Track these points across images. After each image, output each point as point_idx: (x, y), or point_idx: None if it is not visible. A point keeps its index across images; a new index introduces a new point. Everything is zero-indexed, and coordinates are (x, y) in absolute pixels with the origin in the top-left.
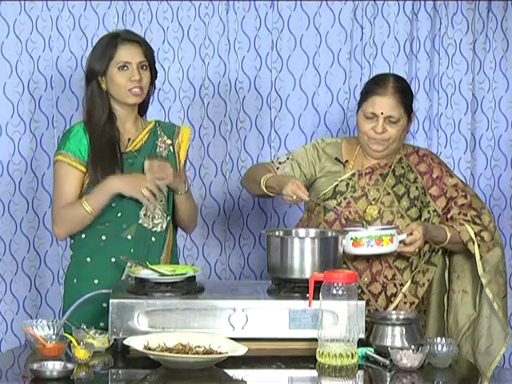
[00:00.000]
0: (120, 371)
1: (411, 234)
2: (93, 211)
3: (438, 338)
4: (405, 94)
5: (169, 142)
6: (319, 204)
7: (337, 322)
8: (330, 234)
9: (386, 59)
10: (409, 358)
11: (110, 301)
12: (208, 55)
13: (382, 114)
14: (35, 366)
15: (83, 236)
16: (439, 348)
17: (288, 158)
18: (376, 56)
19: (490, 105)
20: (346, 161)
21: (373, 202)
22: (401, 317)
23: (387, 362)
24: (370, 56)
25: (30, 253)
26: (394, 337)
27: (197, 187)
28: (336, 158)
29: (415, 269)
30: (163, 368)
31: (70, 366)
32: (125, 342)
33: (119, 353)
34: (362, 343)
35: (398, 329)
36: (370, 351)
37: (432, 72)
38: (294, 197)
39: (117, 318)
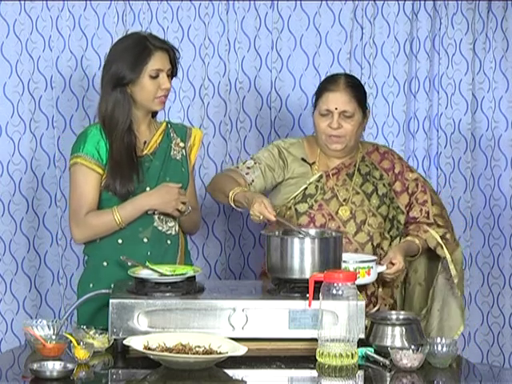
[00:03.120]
0: (120, 371)
1: (391, 262)
2: (122, 224)
3: (438, 338)
4: (357, 89)
5: (182, 144)
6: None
7: (337, 321)
8: (329, 234)
9: (386, 59)
10: (409, 358)
11: (110, 301)
12: (208, 55)
13: (336, 109)
14: (35, 365)
15: (98, 240)
16: (439, 348)
17: (256, 163)
18: (376, 56)
19: (490, 105)
20: (314, 162)
21: (344, 203)
22: (401, 317)
23: (387, 362)
24: (370, 56)
25: (30, 253)
26: (393, 337)
27: (197, 187)
28: (302, 159)
29: None
30: (163, 368)
31: (70, 365)
32: (125, 342)
33: (119, 353)
34: (362, 343)
35: (397, 329)
36: (370, 351)
37: (432, 72)
38: (261, 217)
39: (117, 318)
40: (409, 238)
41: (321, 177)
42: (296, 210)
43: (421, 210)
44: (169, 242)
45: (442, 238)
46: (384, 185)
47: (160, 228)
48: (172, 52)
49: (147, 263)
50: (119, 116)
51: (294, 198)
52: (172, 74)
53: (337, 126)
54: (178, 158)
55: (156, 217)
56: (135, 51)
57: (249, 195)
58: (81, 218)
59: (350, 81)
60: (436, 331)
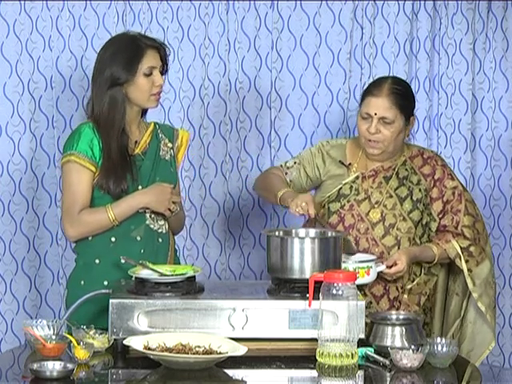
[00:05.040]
0: (120, 371)
1: (395, 263)
2: (116, 221)
3: (438, 338)
4: (401, 96)
5: (170, 145)
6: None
7: (337, 321)
8: (330, 234)
9: (386, 59)
10: (409, 358)
11: (110, 301)
12: (208, 55)
13: (375, 114)
14: (35, 365)
15: (90, 238)
16: (439, 348)
17: (295, 163)
18: (376, 56)
19: (490, 105)
20: (350, 163)
21: (375, 205)
22: (401, 317)
23: (387, 362)
24: (370, 56)
25: (30, 253)
26: (393, 337)
27: (197, 187)
28: (340, 161)
29: (415, 275)
30: (163, 368)
31: (70, 365)
32: (125, 342)
33: (119, 353)
34: (362, 343)
35: (397, 329)
36: (370, 351)
37: (432, 72)
38: (303, 204)
39: (117, 318)
40: (428, 244)
41: (357, 178)
42: (328, 208)
43: (452, 218)
44: (160, 240)
45: (464, 250)
46: (420, 190)
47: (152, 226)
48: (162, 49)
49: (147, 263)
50: (115, 116)
51: (329, 196)
52: (163, 70)
53: (374, 131)
54: (166, 158)
55: (148, 215)
56: (128, 51)
57: (296, 194)
58: (74, 216)
59: (395, 87)
60: (468, 342)
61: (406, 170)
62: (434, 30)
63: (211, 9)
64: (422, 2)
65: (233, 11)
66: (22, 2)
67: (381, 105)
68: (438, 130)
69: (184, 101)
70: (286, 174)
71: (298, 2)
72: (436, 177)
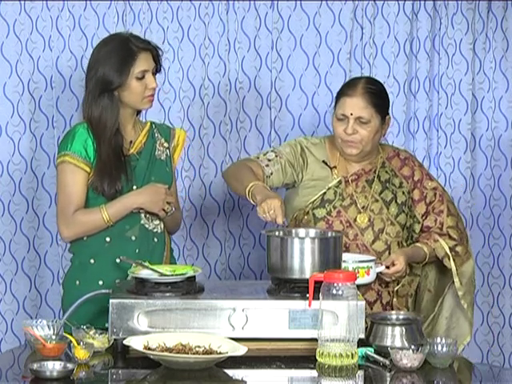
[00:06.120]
0: (120, 371)
1: (393, 264)
2: (110, 222)
3: (438, 338)
4: (376, 95)
5: (166, 144)
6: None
7: (337, 321)
8: (330, 234)
9: (386, 59)
10: (409, 358)
11: (110, 301)
12: (208, 55)
13: (351, 114)
14: (35, 365)
15: (85, 238)
16: (439, 348)
17: (277, 156)
18: (376, 56)
19: (490, 105)
20: (335, 166)
21: (362, 210)
22: (401, 317)
23: (387, 362)
24: (370, 56)
25: (30, 253)
26: (393, 337)
27: (197, 187)
28: (324, 162)
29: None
30: (163, 368)
31: (70, 365)
32: (125, 342)
33: (119, 353)
34: (362, 343)
35: (397, 329)
36: (370, 351)
37: (432, 72)
38: (272, 211)
39: (117, 318)
40: (417, 244)
41: (340, 182)
42: (314, 215)
43: (435, 219)
44: (155, 239)
45: (451, 249)
46: (403, 193)
47: (147, 226)
48: (155, 50)
49: (147, 263)
50: (107, 121)
51: (313, 202)
52: (156, 71)
53: (351, 131)
54: (162, 157)
55: (143, 215)
56: (120, 55)
57: (267, 192)
58: (69, 217)
59: (369, 86)
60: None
61: (387, 172)
62: (434, 30)
63: (211, 9)
64: (422, 2)
65: (233, 11)
66: (22, 2)
67: (356, 105)
68: (438, 130)
69: (184, 101)
70: (267, 165)
71: (298, 2)
72: (416, 178)
